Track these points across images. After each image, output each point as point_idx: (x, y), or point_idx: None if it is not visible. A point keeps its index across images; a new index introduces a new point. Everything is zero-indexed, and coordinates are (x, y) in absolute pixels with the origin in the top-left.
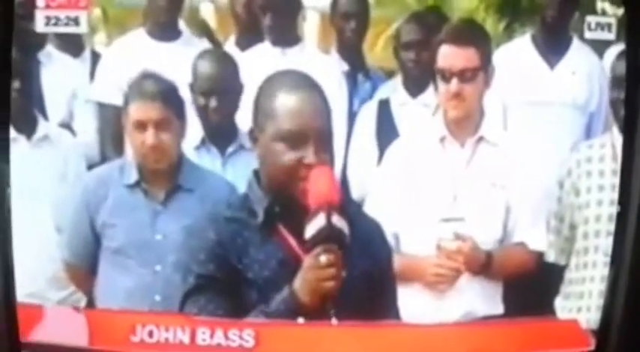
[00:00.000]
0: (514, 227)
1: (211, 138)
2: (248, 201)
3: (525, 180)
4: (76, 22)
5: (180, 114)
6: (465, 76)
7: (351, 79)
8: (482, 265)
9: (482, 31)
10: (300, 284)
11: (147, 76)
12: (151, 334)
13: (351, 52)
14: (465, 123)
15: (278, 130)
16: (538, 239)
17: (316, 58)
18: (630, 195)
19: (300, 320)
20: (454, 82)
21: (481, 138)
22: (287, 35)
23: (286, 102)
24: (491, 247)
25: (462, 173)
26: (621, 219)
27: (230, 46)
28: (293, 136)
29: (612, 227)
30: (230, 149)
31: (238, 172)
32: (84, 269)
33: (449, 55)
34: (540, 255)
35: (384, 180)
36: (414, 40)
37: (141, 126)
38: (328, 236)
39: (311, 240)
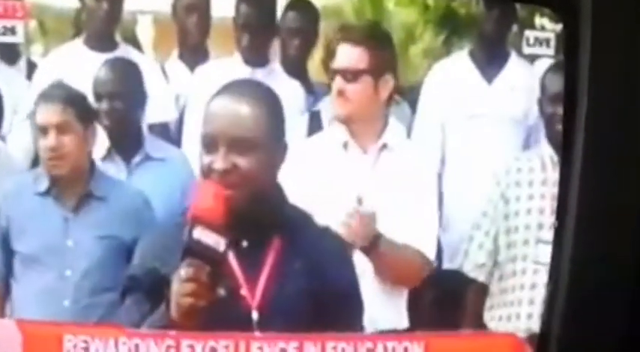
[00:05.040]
0: (406, 229)
1: (117, 148)
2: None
3: (429, 190)
4: (12, 31)
5: (85, 122)
6: (346, 75)
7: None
8: (370, 240)
9: (382, 36)
10: (171, 297)
11: (54, 84)
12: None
13: (296, 66)
14: (363, 128)
15: (200, 134)
16: (425, 243)
17: (285, 79)
18: (567, 209)
19: (172, 332)
20: (337, 79)
21: (384, 146)
22: (259, 55)
23: (209, 107)
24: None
25: (366, 179)
26: (559, 229)
27: (173, 61)
28: (205, 141)
29: (542, 235)
30: (136, 159)
31: (144, 182)
32: None
33: (339, 54)
34: (425, 260)
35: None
36: None
37: (44, 130)
38: (189, 250)
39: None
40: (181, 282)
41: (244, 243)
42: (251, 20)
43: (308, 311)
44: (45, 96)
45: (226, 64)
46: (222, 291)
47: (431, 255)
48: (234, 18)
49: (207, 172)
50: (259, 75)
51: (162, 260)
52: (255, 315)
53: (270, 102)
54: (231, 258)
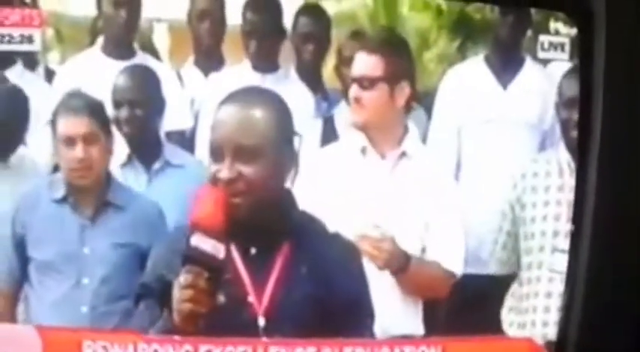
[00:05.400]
0: (431, 245)
1: (137, 155)
2: None
3: (448, 199)
4: (29, 40)
5: (107, 131)
6: (362, 83)
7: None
8: (400, 264)
9: (398, 43)
10: (173, 303)
11: (73, 93)
12: None
13: (310, 72)
14: (381, 134)
15: (209, 143)
16: (453, 259)
17: (295, 85)
18: (584, 216)
19: (176, 337)
20: (353, 87)
21: (404, 153)
22: (268, 61)
23: (217, 115)
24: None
25: (383, 185)
26: (575, 236)
27: (189, 67)
28: (212, 148)
29: (557, 242)
30: (156, 166)
31: (164, 189)
32: (6, 294)
33: (356, 61)
34: (453, 276)
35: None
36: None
37: (70, 141)
38: (189, 257)
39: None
40: (180, 289)
41: (253, 251)
42: (257, 27)
43: (315, 318)
44: (69, 107)
45: (237, 71)
46: (222, 298)
47: (458, 269)
48: (242, 25)
49: (213, 181)
50: (269, 81)
51: (171, 267)
52: (261, 322)
53: (276, 109)
54: (239, 265)
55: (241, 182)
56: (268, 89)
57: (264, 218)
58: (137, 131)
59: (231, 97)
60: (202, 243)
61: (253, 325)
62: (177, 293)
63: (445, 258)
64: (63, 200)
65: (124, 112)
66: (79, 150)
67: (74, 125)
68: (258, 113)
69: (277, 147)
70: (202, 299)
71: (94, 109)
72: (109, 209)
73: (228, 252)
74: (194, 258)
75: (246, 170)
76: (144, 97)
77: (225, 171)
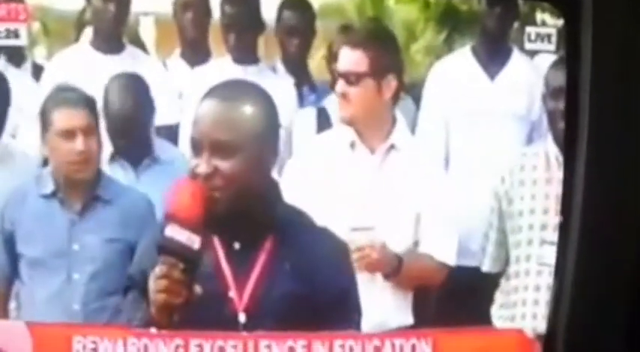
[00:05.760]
0: (423, 237)
1: (122, 153)
2: None
3: (438, 191)
4: (15, 34)
5: (98, 124)
6: (348, 78)
7: (297, 91)
8: (393, 268)
9: (383, 37)
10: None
11: (67, 86)
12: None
13: (296, 65)
14: (369, 128)
15: (190, 137)
16: (446, 251)
17: (278, 77)
18: (572, 205)
19: (153, 330)
20: (340, 83)
21: (392, 146)
22: (248, 54)
23: (197, 109)
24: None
25: (373, 179)
26: (564, 228)
27: (175, 60)
28: (192, 143)
29: (545, 235)
30: (144, 162)
31: (152, 184)
32: None
33: (341, 57)
34: (446, 267)
35: (293, 184)
36: None
37: (69, 134)
38: (163, 247)
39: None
40: (155, 279)
41: (236, 245)
42: (235, 20)
43: (299, 314)
44: (64, 100)
45: (220, 64)
46: (198, 290)
47: (451, 261)
48: (220, 18)
49: (192, 175)
50: (250, 73)
51: (154, 259)
52: (242, 318)
53: (258, 102)
54: (222, 260)
55: (218, 177)
56: (250, 82)
57: (245, 212)
58: (129, 140)
59: (212, 92)
60: (177, 233)
61: (234, 320)
62: (152, 284)
63: (438, 249)
64: (51, 195)
65: (115, 126)
66: (79, 143)
67: (73, 117)
68: (237, 108)
69: (258, 142)
70: (177, 289)
71: (89, 102)
72: (97, 203)
73: (209, 244)
74: (169, 249)
75: (223, 165)
76: (135, 110)
77: (202, 166)
